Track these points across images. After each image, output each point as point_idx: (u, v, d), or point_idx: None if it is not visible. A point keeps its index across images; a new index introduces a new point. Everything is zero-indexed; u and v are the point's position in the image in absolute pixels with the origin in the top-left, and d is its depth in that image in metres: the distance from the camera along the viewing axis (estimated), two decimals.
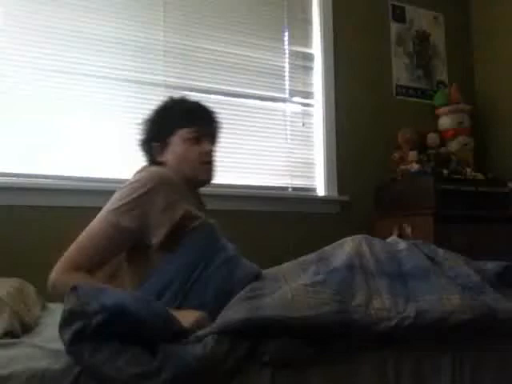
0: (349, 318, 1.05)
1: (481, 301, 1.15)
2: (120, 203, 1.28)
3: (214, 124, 1.53)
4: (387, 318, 1.08)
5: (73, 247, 1.27)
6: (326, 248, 1.35)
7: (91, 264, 1.24)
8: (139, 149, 1.52)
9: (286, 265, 1.35)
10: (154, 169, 1.38)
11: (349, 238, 1.36)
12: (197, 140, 1.45)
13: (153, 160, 1.48)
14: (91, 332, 0.90)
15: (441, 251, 1.34)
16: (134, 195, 1.27)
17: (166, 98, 1.57)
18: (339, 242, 1.37)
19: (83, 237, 1.29)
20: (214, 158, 1.48)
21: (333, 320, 1.03)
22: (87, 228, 1.30)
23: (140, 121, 1.53)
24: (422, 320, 1.08)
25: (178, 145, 1.44)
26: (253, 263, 1.33)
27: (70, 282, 1.03)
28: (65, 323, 0.93)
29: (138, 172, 1.42)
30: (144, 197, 1.27)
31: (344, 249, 1.29)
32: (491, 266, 1.37)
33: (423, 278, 1.19)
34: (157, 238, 1.25)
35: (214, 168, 1.48)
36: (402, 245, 1.33)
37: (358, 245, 1.30)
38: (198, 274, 1.21)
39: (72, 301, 0.94)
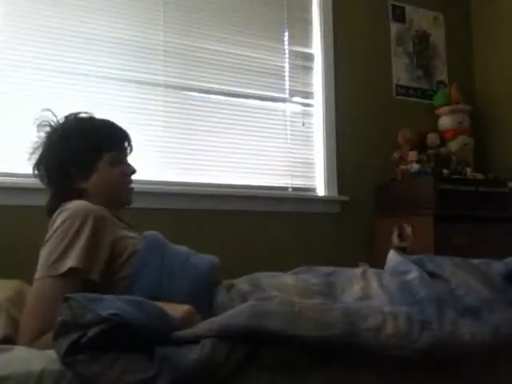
0: (356, 342, 1.00)
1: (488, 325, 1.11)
2: (54, 255, 1.17)
3: (130, 143, 1.49)
4: (399, 346, 1.02)
5: (25, 319, 1.13)
6: (333, 280, 1.31)
7: (51, 322, 1.01)
8: (37, 174, 1.43)
9: (288, 282, 1.31)
10: (74, 205, 1.27)
11: (357, 273, 1.32)
12: (118, 162, 1.42)
13: (68, 187, 1.39)
14: (86, 343, 0.88)
15: (447, 264, 1.30)
16: (65, 241, 1.19)
17: (63, 121, 1.44)
18: (345, 273, 1.33)
19: (31, 304, 1.15)
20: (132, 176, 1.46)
21: (339, 342, 1.00)
22: (30, 296, 1.17)
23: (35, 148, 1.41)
24: (436, 352, 1.04)
25: (105, 169, 1.38)
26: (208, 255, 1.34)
27: (43, 347, 1.00)
28: (58, 335, 0.91)
29: (57, 213, 1.30)
30: (74, 237, 1.19)
31: (353, 288, 1.26)
32: (497, 267, 1.34)
33: (438, 307, 1.13)
34: (94, 275, 1.17)
35: (132, 189, 1.46)
36: (413, 274, 1.25)
37: (367, 284, 1.26)
38: (166, 282, 1.19)
39: (65, 312, 0.91)
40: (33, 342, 1.07)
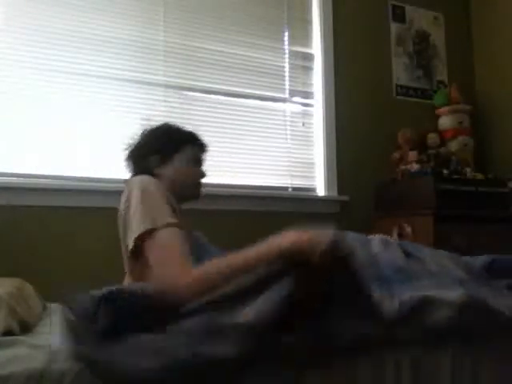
0: None
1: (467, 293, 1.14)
2: (152, 213, 1.24)
3: (207, 151, 1.64)
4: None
5: (167, 269, 1.17)
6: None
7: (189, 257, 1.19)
8: (127, 157, 1.55)
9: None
10: (145, 177, 1.37)
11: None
12: (198, 162, 1.57)
13: (145, 171, 1.45)
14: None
15: (427, 248, 1.36)
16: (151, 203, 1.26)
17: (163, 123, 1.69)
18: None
19: (163, 255, 1.20)
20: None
21: None
22: (154, 250, 1.22)
23: (140, 124, 1.60)
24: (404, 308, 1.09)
25: (182, 162, 1.51)
26: None
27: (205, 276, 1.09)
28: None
29: (129, 183, 1.37)
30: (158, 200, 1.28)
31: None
32: (480, 260, 1.38)
33: (404, 281, 1.18)
34: None
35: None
36: (376, 245, 1.33)
37: None
38: None
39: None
40: (184, 273, 1.11)
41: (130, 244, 1.24)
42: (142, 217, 1.23)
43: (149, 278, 1.25)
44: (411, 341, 1.11)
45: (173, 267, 1.15)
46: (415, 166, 2.70)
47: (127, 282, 1.37)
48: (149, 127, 1.62)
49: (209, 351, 0.90)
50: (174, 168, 1.50)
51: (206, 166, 1.60)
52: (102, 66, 2.37)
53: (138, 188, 1.29)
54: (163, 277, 1.17)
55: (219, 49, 2.64)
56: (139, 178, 1.36)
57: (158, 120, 2.44)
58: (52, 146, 2.23)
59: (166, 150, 1.52)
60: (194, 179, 1.54)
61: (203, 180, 1.58)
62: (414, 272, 1.22)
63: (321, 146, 2.83)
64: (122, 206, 1.31)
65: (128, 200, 1.29)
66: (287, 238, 1.10)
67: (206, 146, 1.63)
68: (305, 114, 2.86)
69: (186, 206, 2.34)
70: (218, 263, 1.12)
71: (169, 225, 1.22)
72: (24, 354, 0.96)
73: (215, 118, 2.60)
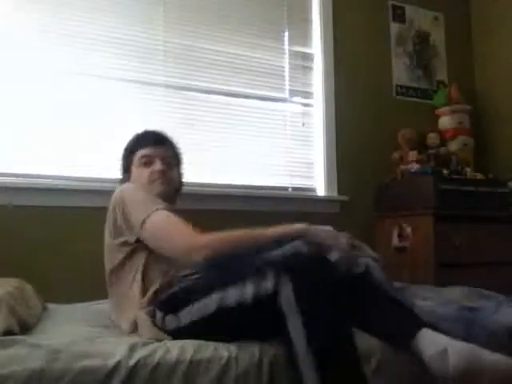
0: None
1: None
2: (145, 204, 1.42)
3: (162, 145, 1.67)
4: None
5: (174, 241, 1.34)
6: None
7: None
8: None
9: None
10: (125, 185, 1.57)
11: None
12: (149, 163, 1.60)
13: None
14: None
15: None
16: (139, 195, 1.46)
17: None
18: None
19: (167, 229, 1.37)
20: (164, 175, 1.59)
21: None
22: (157, 228, 1.38)
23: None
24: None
25: (134, 171, 1.62)
26: None
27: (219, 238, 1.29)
28: None
29: (117, 192, 1.52)
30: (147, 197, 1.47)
31: None
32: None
33: None
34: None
35: (164, 182, 1.59)
36: None
37: None
38: None
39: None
40: (193, 238, 1.31)
41: (134, 235, 1.39)
42: (138, 211, 1.39)
43: (154, 265, 1.41)
44: None
45: (183, 236, 1.32)
46: (415, 166, 2.70)
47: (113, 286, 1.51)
48: None
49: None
50: (133, 178, 1.62)
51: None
52: (102, 65, 2.37)
53: (124, 193, 1.46)
54: (177, 247, 1.32)
55: (219, 49, 2.64)
56: (120, 188, 1.51)
57: (157, 120, 2.47)
58: (52, 146, 2.23)
59: (125, 166, 1.67)
60: (143, 180, 1.58)
61: (156, 174, 1.59)
62: None
63: (320, 145, 2.83)
64: (109, 214, 1.48)
65: (116, 205, 1.45)
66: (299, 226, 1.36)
67: (147, 143, 1.64)
68: (305, 114, 2.86)
69: (186, 206, 2.34)
70: (233, 233, 1.32)
71: (158, 209, 1.37)
72: (24, 354, 0.97)
73: (215, 117, 2.60)
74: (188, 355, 1.09)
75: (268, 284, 1.10)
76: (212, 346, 1.13)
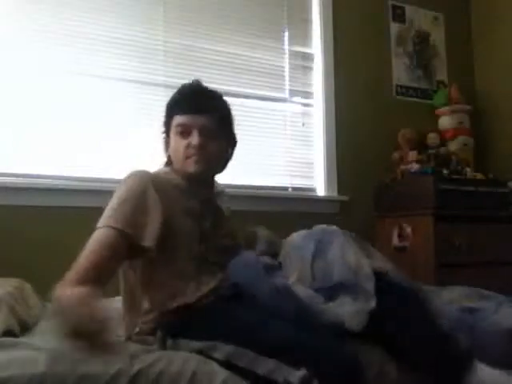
0: None
1: None
2: (107, 212, 1.26)
3: (205, 113, 1.40)
4: None
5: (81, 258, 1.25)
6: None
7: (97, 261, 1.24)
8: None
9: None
10: (131, 173, 1.34)
11: None
12: (186, 133, 1.38)
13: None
14: None
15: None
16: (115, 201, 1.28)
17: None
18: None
19: (87, 245, 1.24)
20: (201, 151, 1.38)
21: None
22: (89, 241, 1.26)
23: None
24: None
25: (172, 138, 1.43)
26: None
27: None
28: None
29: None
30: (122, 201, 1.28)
31: None
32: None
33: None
34: (144, 241, 1.23)
35: (200, 159, 1.38)
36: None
37: None
38: None
39: None
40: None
41: None
42: (104, 214, 1.25)
43: (152, 272, 1.30)
44: None
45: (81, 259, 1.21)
46: (415, 166, 2.70)
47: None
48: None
49: None
50: (172, 147, 1.43)
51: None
52: (102, 65, 2.37)
53: (119, 187, 1.31)
54: None
55: (219, 49, 2.64)
56: (130, 173, 1.33)
57: (157, 120, 2.47)
58: (52, 145, 2.23)
59: (166, 128, 1.47)
60: (179, 153, 1.39)
61: (193, 150, 1.38)
62: None
63: (320, 145, 2.83)
64: None
65: None
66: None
67: (184, 109, 1.40)
68: (305, 114, 2.86)
69: None
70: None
71: (103, 227, 1.20)
72: (25, 357, 0.95)
73: None
74: (191, 367, 1.06)
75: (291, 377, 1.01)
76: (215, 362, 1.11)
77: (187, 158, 1.38)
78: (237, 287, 1.29)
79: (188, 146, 1.37)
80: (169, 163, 1.48)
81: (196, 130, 1.37)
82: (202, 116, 1.39)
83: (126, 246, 1.19)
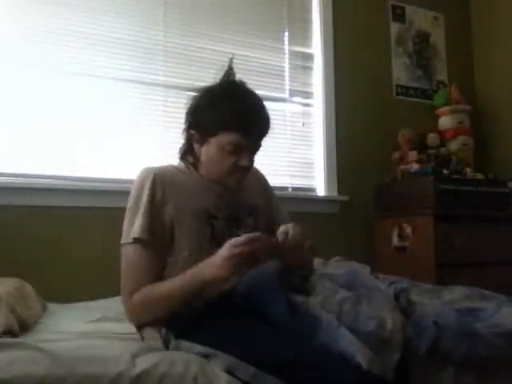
0: None
1: None
2: (126, 225, 1.30)
3: (261, 135, 1.34)
4: None
5: (122, 279, 1.30)
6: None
7: (139, 282, 1.28)
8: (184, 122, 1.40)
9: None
10: (139, 173, 1.34)
11: None
12: (235, 150, 1.30)
13: (188, 147, 1.39)
14: None
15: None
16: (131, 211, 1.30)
17: (228, 82, 1.50)
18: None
19: (123, 267, 1.31)
20: (247, 171, 1.36)
21: None
22: (122, 259, 1.32)
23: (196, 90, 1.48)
24: None
25: (214, 148, 1.31)
26: None
27: (137, 305, 1.25)
28: None
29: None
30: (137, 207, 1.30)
31: None
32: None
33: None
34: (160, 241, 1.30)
35: (244, 179, 1.37)
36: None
37: None
38: None
39: None
40: (129, 298, 1.23)
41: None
42: (124, 228, 1.29)
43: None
44: None
45: (123, 291, 1.26)
46: (415, 166, 2.70)
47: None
48: (212, 85, 1.47)
49: None
50: (207, 152, 1.33)
51: None
52: (102, 65, 2.36)
53: (131, 194, 1.32)
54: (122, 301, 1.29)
55: (219, 49, 2.64)
56: (139, 174, 1.33)
57: (157, 120, 2.47)
58: (52, 146, 2.23)
59: (204, 129, 1.32)
60: (222, 167, 1.31)
61: (241, 170, 1.33)
62: None
63: (320, 145, 2.83)
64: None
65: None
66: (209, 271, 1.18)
67: (254, 133, 1.32)
68: (305, 114, 2.86)
69: None
70: (160, 288, 1.23)
71: (135, 241, 1.25)
72: (26, 358, 0.94)
73: None
74: (193, 370, 1.04)
75: None
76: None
77: (230, 174, 1.32)
78: (249, 295, 1.19)
79: (236, 164, 1.31)
80: (188, 160, 1.40)
81: (249, 151, 1.33)
82: (259, 140, 1.35)
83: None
